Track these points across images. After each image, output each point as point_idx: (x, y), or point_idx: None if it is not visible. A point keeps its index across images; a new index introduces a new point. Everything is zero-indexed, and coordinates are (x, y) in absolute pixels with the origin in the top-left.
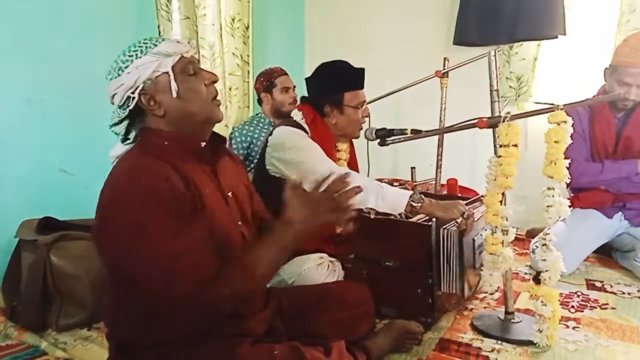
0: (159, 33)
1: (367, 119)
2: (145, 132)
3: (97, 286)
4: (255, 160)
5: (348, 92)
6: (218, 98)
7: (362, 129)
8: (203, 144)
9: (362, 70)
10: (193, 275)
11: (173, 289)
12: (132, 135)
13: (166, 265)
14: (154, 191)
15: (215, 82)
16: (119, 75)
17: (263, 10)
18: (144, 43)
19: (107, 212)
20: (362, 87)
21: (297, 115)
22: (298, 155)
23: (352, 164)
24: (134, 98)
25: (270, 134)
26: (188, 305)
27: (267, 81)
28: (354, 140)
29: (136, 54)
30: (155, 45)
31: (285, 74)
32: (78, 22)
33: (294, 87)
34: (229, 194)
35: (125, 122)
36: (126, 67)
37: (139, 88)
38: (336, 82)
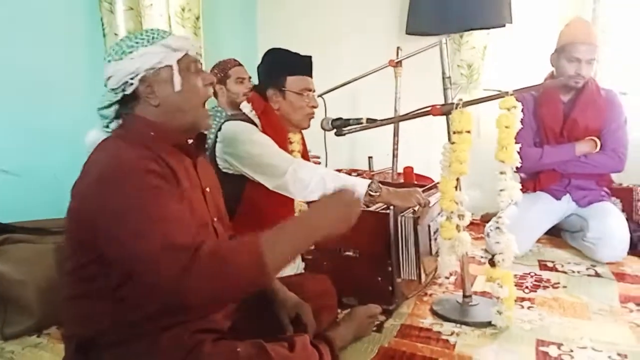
0: (103, 25)
1: (315, 109)
2: (131, 120)
3: (46, 290)
4: None
5: (291, 76)
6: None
7: (311, 118)
8: (190, 140)
9: (309, 57)
10: (183, 243)
11: (173, 256)
12: (112, 125)
13: (166, 232)
14: (144, 168)
15: (212, 84)
16: (120, 59)
17: (213, 0)
18: (152, 33)
19: (96, 189)
20: (307, 74)
21: (246, 107)
22: (252, 148)
23: (304, 156)
24: (132, 84)
25: (219, 129)
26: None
27: (221, 72)
28: (308, 131)
29: (142, 43)
30: (164, 38)
31: (240, 65)
32: (20, 16)
33: (250, 78)
34: (207, 189)
35: (115, 107)
36: (130, 53)
37: (140, 75)
38: (279, 65)
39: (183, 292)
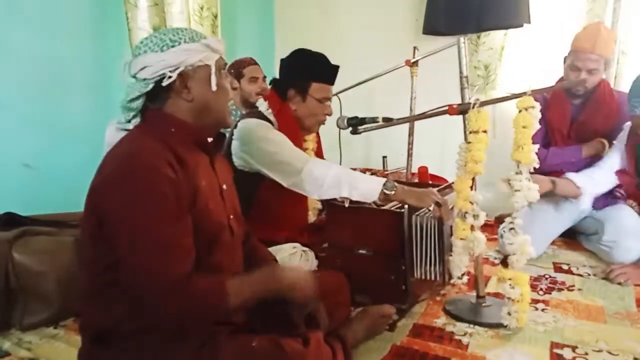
0: (127, 20)
1: (328, 116)
2: (154, 115)
3: (65, 281)
4: None
5: (316, 82)
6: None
7: (320, 125)
8: (210, 139)
9: (336, 67)
10: (171, 270)
11: (152, 282)
12: (134, 121)
13: (149, 255)
14: (156, 175)
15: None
16: (162, 50)
17: None
18: (192, 32)
19: (108, 186)
20: (332, 83)
21: (262, 105)
22: (268, 146)
23: (319, 154)
24: (170, 77)
25: (235, 126)
26: (158, 300)
27: (236, 71)
28: (324, 129)
29: (185, 39)
30: (204, 38)
31: (255, 63)
32: (38, 10)
33: (264, 77)
34: (224, 186)
35: (143, 99)
36: (173, 47)
37: (180, 69)
38: (307, 69)
39: (154, 312)
